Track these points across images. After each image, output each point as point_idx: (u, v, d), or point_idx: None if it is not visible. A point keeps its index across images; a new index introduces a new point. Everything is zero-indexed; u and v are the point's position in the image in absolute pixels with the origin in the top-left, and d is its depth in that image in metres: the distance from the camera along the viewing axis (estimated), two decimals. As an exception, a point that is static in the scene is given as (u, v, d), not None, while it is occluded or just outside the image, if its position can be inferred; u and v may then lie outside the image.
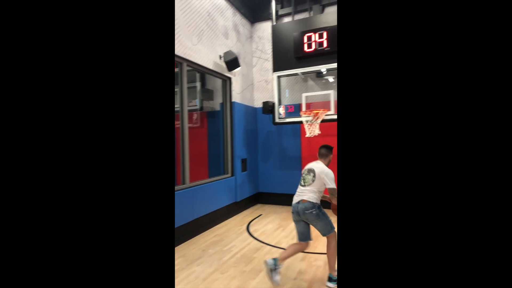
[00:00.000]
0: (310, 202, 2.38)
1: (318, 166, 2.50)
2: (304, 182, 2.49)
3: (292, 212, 2.50)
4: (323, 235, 2.42)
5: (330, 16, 4.51)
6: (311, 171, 2.50)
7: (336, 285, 2.39)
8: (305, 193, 2.43)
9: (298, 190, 2.52)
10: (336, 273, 2.40)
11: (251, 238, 3.68)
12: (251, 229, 4.06)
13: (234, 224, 4.32)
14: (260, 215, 4.82)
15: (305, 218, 2.40)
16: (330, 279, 2.44)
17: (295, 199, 2.49)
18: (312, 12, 5.05)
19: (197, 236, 3.79)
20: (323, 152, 2.61)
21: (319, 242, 3.49)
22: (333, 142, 4.63)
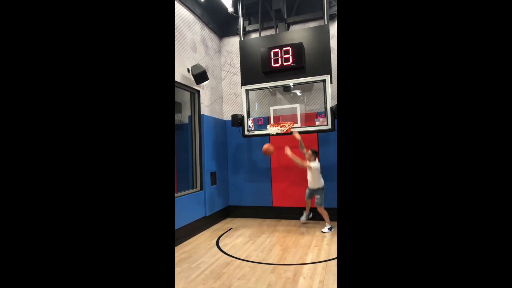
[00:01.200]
0: None
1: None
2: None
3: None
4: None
5: (294, 34, 4.73)
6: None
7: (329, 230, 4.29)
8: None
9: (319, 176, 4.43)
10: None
11: (221, 253, 3.60)
12: (220, 244, 3.97)
13: (203, 240, 4.21)
14: (230, 229, 4.75)
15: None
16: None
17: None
18: (277, 30, 5.26)
19: (163, 254, 3.62)
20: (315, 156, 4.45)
21: (288, 253, 3.51)
22: (298, 153, 4.70)
